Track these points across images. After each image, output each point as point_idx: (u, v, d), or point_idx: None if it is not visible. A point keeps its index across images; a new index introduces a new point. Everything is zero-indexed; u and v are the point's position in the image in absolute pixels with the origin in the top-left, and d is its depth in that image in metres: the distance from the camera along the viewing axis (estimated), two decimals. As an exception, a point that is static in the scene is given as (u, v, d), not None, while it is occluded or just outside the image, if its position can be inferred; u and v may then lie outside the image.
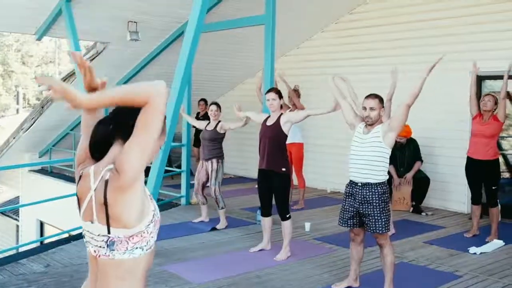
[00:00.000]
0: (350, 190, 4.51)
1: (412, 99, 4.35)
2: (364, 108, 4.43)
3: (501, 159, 7.59)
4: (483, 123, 6.28)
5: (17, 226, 13.73)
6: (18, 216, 13.38)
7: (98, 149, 1.88)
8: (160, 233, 6.33)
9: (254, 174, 9.97)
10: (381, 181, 4.39)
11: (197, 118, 9.97)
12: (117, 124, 1.86)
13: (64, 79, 9.72)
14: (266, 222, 5.87)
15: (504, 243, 6.26)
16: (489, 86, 8.02)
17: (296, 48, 10.46)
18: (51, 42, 39.00)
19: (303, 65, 10.24)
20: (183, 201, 8.49)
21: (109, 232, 1.81)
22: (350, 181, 4.52)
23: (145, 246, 1.86)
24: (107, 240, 1.82)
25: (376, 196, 4.35)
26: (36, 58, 42.00)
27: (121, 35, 8.44)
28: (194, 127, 9.58)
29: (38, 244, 7.77)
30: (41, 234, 12.17)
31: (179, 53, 6.67)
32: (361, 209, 4.42)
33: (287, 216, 5.62)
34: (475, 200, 6.57)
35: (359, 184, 4.41)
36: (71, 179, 10.35)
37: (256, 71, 10.74)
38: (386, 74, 8.83)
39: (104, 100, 1.77)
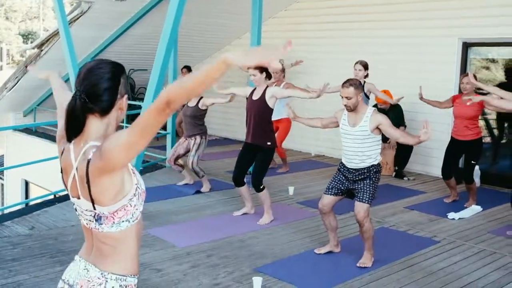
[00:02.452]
0: (343, 170, 4.61)
1: (404, 141, 4.52)
2: (342, 97, 4.48)
3: (482, 123, 7.69)
4: (464, 104, 6.07)
5: (2, 185, 13.72)
6: (3, 175, 13.35)
7: (73, 131, 1.84)
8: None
9: (239, 136, 10.06)
10: (375, 163, 4.49)
11: None
12: (88, 98, 1.80)
13: (49, 38, 9.58)
14: (242, 191, 5.89)
15: (481, 209, 6.40)
16: (476, 52, 8.05)
17: (284, 10, 10.36)
18: (35, -2, 38.31)
19: (290, 27, 10.15)
20: (167, 163, 8.50)
21: (94, 208, 1.84)
22: (344, 164, 4.61)
23: (131, 218, 1.89)
24: (95, 215, 1.87)
25: (371, 174, 4.48)
26: (20, 13, 41.23)
27: (106, -6, 8.30)
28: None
29: (23, 205, 7.79)
30: (26, 193, 12.19)
31: (166, 14, 6.59)
32: (351, 185, 4.54)
33: (261, 187, 5.65)
34: (445, 175, 6.57)
35: (352, 169, 4.52)
36: (55, 139, 10.33)
37: (244, 33, 10.67)
38: (374, 39, 8.87)
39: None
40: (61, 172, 1.92)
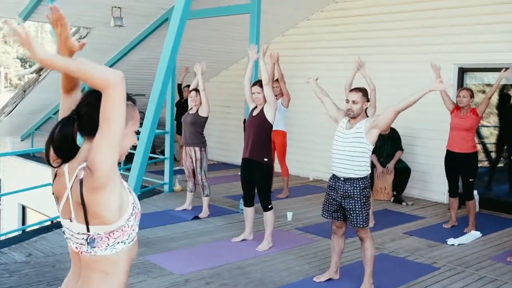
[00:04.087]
0: (333, 183, 4.56)
1: (404, 107, 4.26)
2: (347, 101, 4.47)
3: (480, 147, 7.73)
4: (461, 116, 6.37)
5: (-1, 209, 13.64)
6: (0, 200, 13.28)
7: (61, 152, 1.86)
8: (142, 222, 6.33)
9: (237, 161, 10.02)
10: (363, 176, 4.44)
11: (181, 102, 9.93)
12: (80, 120, 1.84)
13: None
14: (248, 212, 5.91)
15: (481, 234, 6.38)
16: (471, 77, 8.11)
17: (281, 35, 10.44)
18: (34, 22, 38.53)
19: (288, 52, 10.20)
20: (166, 188, 8.50)
21: (88, 231, 1.80)
22: (333, 175, 4.56)
23: (126, 239, 1.86)
24: (87, 238, 1.82)
25: (358, 191, 4.40)
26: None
27: (105, 20, 8.36)
28: (176, 106, 9.53)
29: (20, 232, 7.73)
30: (23, 218, 12.11)
31: (164, 39, 6.63)
32: (343, 203, 4.48)
33: (269, 207, 5.66)
34: (452, 192, 6.67)
35: (341, 178, 4.46)
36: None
37: (241, 58, 10.74)
38: (370, 64, 8.89)
39: (60, 62, 1.69)
40: (54, 196, 1.92)
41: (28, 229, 7.08)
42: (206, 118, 6.92)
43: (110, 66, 9.80)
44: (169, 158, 8.58)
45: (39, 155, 11.71)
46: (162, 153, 9.46)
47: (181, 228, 6.43)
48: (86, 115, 1.83)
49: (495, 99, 8.02)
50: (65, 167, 1.86)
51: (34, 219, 10.62)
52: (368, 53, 8.92)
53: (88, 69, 1.67)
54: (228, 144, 11.32)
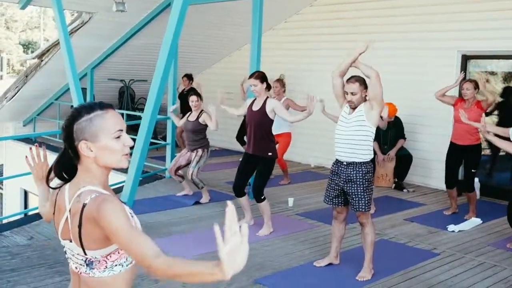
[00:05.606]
0: (336, 168, 4.56)
1: (364, 69, 4.43)
2: (346, 93, 4.46)
3: (481, 135, 7.69)
4: (466, 108, 6.15)
5: (1, 195, 13.70)
6: (2, 185, 13.33)
7: (61, 175, 1.90)
8: (143, 207, 6.34)
9: (238, 147, 10.06)
10: (366, 160, 4.44)
11: (181, 94, 9.95)
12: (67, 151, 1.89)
13: (49, 48, 9.60)
14: (243, 201, 5.88)
15: (481, 221, 6.40)
16: (475, 64, 8.09)
17: (284, 22, 10.40)
18: (36, 7, 38.47)
19: (290, 39, 10.20)
20: (167, 173, 8.50)
21: (85, 254, 1.79)
22: (336, 159, 4.57)
23: (124, 262, 1.84)
24: (86, 260, 1.81)
25: (360, 175, 4.41)
26: (21, 23, 41.41)
27: (107, 5, 8.33)
28: (180, 98, 9.58)
29: (22, 215, 7.77)
30: (25, 203, 12.16)
31: (166, 25, 6.61)
32: (345, 187, 4.48)
33: (262, 198, 5.65)
34: (449, 184, 6.60)
35: (344, 163, 4.47)
36: (55, 149, 10.31)
37: (243, 44, 10.70)
38: (373, 51, 8.86)
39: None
40: (54, 209, 1.90)
41: (29, 213, 7.12)
42: (206, 124, 6.88)
43: (113, 52, 9.82)
44: (170, 144, 8.60)
45: (41, 140, 11.75)
46: (164, 139, 9.45)
47: (182, 213, 6.46)
48: (66, 145, 1.86)
49: (498, 87, 8.01)
50: (66, 187, 1.86)
51: (36, 204, 10.66)
52: (372, 40, 8.89)
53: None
54: (229, 130, 11.30)
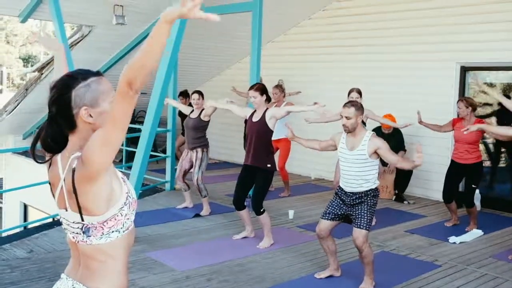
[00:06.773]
0: (341, 193, 4.59)
1: (401, 166, 4.58)
2: (341, 116, 4.49)
3: (482, 147, 7.69)
4: (465, 126, 5.90)
5: (0, 208, 13.65)
6: (2, 198, 13.28)
7: (52, 149, 1.88)
8: (143, 219, 6.34)
9: (238, 159, 10.05)
10: (372, 188, 4.47)
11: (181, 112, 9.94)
12: (55, 119, 1.85)
13: (49, 62, 9.62)
14: (243, 214, 5.87)
15: (482, 233, 6.37)
16: (473, 75, 8.09)
17: (284, 34, 10.44)
18: (36, 21, 38.57)
19: (290, 51, 10.24)
20: (167, 186, 8.50)
21: (82, 220, 1.81)
22: (342, 187, 4.59)
23: (121, 228, 1.86)
24: (82, 227, 1.83)
25: (367, 198, 4.46)
26: (21, 37, 41.47)
27: (107, 18, 8.36)
28: (180, 115, 9.58)
29: (22, 228, 7.74)
30: (25, 216, 12.12)
31: (165, 38, 6.63)
32: (349, 211, 4.51)
33: (261, 210, 5.63)
34: (446, 198, 6.56)
35: (350, 193, 4.50)
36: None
37: (244, 57, 10.73)
38: (372, 63, 8.92)
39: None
40: (49, 184, 1.92)
41: (29, 226, 7.09)
42: (208, 122, 6.91)
43: (112, 65, 9.83)
44: (170, 157, 8.59)
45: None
46: (164, 151, 9.44)
47: (182, 226, 6.43)
48: (57, 115, 1.84)
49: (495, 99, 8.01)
50: (58, 156, 1.86)
51: (35, 218, 10.62)
52: (370, 52, 8.93)
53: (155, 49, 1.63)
54: (229, 142, 11.32)
